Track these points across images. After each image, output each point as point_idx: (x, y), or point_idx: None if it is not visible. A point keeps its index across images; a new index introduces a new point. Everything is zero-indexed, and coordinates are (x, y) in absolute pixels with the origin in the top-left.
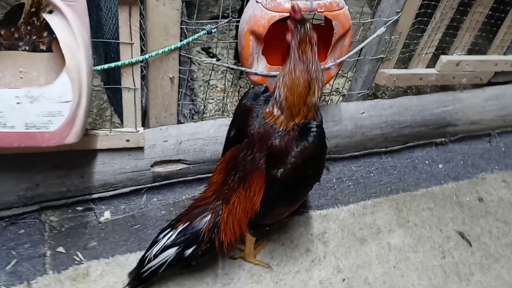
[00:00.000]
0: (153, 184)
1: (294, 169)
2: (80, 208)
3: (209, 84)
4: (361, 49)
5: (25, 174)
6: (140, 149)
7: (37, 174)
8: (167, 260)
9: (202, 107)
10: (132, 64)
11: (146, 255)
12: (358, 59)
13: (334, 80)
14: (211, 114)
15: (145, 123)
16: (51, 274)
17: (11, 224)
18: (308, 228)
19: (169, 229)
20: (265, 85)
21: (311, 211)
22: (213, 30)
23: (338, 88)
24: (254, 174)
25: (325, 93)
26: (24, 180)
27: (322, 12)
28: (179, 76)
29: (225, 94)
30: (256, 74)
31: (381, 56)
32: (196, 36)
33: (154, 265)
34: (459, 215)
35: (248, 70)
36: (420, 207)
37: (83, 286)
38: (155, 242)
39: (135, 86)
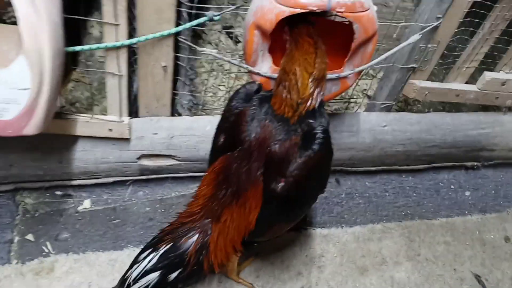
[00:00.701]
0: (139, 177)
1: (296, 182)
2: (59, 193)
3: (222, 71)
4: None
5: None
6: (126, 140)
7: (11, 154)
8: (149, 285)
9: (206, 98)
10: (117, 48)
11: (126, 276)
12: (385, 66)
13: (358, 81)
14: (219, 104)
15: (134, 112)
16: (14, 264)
17: None
18: (304, 248)
19: (150, 250)
20: (258, 82)
21: (311, 228)
22: (215, 18)
23: (365, 90)
24: (250, 189)
25: (344, 98)
26: None
27: (342, 12)
28: (178, 64)
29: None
30: (258, 74)
31: (413, 65)
32: (194, 23)
33: None
34: (479, 254)
35: (250, 68)
36: (435, 240)
37: (45, 282)
38: (135, 262)
39: (120, 73)
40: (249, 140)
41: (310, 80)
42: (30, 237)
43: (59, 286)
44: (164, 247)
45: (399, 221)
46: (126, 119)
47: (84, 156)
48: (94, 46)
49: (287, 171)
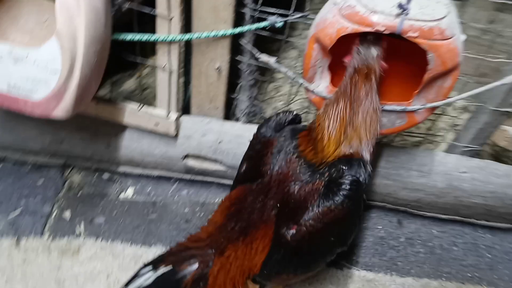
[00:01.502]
0: (184, 177)
1: (310, 234)
2: (105, 177)
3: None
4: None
5: (49, 127)
6: (172, 137)
7: (62, 131)
8: None
9: (273, 105)
10: (169, 43)
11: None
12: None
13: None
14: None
15: (187, 110)
16: (45, 238)
17: (34, 171)
18: None
19: (151, 267)
20: (294, 112)
21: (354, 268)
22: (277, 25)
23: (456, 125)
24: (259, 228)
25: (419, 133)
26: (48, 132)
27: (415, 38)
28: (237, 67)
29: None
30: (312, 92)
31: (508, 110)
32: (252, 27)
33: None
34: None
35: (305, 84)
36: None
37: (68, 263)
38: (135, 275)
39: (170, 68)
40: (270, 174)
41: (341, 140)
42: (67, 214)
43: (79, 270)
44: (163, 268)
45: (462, 282)
46: (173, 116)
47: (131, 145)
48: (145, 36)
49: (302, 218)
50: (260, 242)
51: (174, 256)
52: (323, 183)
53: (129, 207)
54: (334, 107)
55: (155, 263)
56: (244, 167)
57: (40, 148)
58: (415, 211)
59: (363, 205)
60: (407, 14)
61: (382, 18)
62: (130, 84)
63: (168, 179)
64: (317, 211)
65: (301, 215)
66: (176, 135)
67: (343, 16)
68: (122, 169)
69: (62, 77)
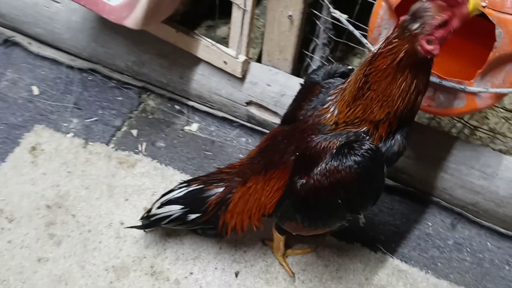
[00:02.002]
0: (246, 124)
1: (316, 188)
2: (177, 107)
3: None
4: None
5: (136, 47)
6: (240, 79)
7: (145, 54)
8: (171, 215)
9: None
10: None
11: (158, 200)
12: None
13: None
14: None
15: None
16: (110, 147)
17: (116, 88)
18: (368, 271)
19: (185, 184)
20: (349, 66)
21: (389, 255)
22: None
23: None
24: (278, 168)
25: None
26: (134, 53)
27: (484, 7)
28: (313, 23)
29: None
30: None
31: None
32: None
33: (159, 213)
34: None
35: (369, 45)
36: None
37: (122, 173)
38: (170, 191)
39: (244, 7)
40: (302, 119)
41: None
42: (134, 132)
43: (130, 182)
44: (194, 186)
45: None
46: (242, 57)
47: (201, 80)
48: None
49: (312, 172)
50: (276, 182)
51: (206, 177)
52: (338, 143)
53: (189, 140)
54: (361, 69)
55: (189, 181)
56: (288, 108)
57: (125, 66)
58: (472, 216)
59: (382, 178)
60: None
61: None
62: (223, 30)
63: (231, 122)
64: (324, 167)
65: (312, 168)
66: (243, 79)
67: None
68: (191, 103)
69: None
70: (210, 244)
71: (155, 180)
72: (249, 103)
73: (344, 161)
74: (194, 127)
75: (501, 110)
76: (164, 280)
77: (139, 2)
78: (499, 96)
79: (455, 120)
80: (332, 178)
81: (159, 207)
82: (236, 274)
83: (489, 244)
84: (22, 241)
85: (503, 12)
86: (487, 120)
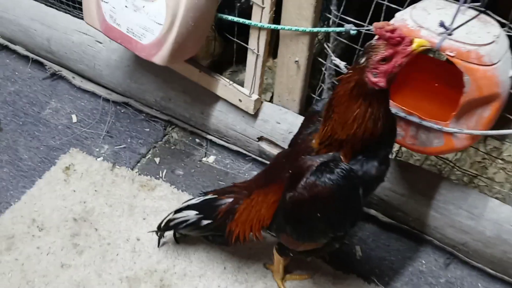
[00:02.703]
0: (258, 158)
1: (300, 201)
2: (197, 140)
3: None
4: None
5: (164, 85)
6: (253, 116)
7: (172, 90)
8: (187, 220)
9: None
10: (259, 28)
11: (178, 208)
12: None
13: None
14: None
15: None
16: (134, 171)
17: (145, 120)
18: None
19: (203, 193)
20: None
21: (382, 287)
22: (352, 32)
23: None
24: (276, 183)
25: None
26: (162, 89)
27: (452, 57)
28: (320, 70)
29: None
30: None
31: None
32: (326, 30)
33: (178, 218)
34: None
35: None
36: None
37: (143, 195)
38: (189, 200)
39: (258, 52)
40: (299, 142)
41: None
42: (157, 160)
43: (149, 203)
44: (210, 195)
45: None
46: (254, 96)
47: (219, 115)
48: (241, 19)
49: (297, 186)
50: (273, 196)
51: (221, 189)
52: (319, 162)
53: (206, 170)
54: (331, 97)
55: (206, 192)
56: (296, 133)
57: (154, 101)
58: (462, 256)
59: (357, 199)
60: (450, 34)
61: (426, 33)
62: (244, 76)
63: (244, 156)
64: (304, 182)
65: (297, 184)
66: (256, 117)
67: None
68: (210, 137)
69: (163, 29)
70: (216, 264)
71: (171, 204)
72: (260, 138)
73: (321, 177)
74: (211, 159)
75: (500, 161)
76: None
77: (166, 42)
78: (474, 138)
79: (456, 168)
80: (311, 191)
81: (177, 212)
82: None
83: (480, 285)
84: (49, 248)
85: (469, 62)
86: (486, 170)
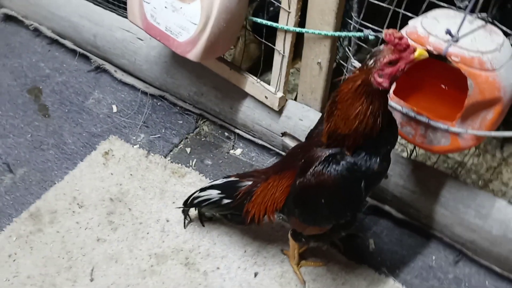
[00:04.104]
0: (281, 152)
1: (306, 186)
2: (226, 134)
3: None
4: None
5: (197, 80)
6: (277, 112)
7: (204, 86)
8: (210, 199)
9: None
10: (285, 31)
11: (202, 187)
12: None
13: None
14: None
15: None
16: (166, 159)
17: (179, 113)
18: None
19: (226, 176)
20: None
21: (392, 278)
22: (370, 37)
23: None
24: (289, 170)
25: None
26: (195, 85)
27: (457, 63)
28: (333, 66)
29: None
30: None
31: None
32: (348, 34)
33: (202, 196)
34: None
35: None
36: None
37: (174, 180)
38: (213, 181)
39: (283, 53)
40: (313, 136)
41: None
42: (188, 150)
43: (178, 189)
44: (233, 178)
45: None
46: (279, 94)
47: (247, 111)
48: (269, 22)
49: (307, 173)
50: (286, 181)
51: (243, 173)
52: (327, 154)
53: (232, 162)
54: (335, 94)
55: (229, 175)
56: (311, 129)
57: (187, 95)
58: (470, 254)
59: (359, 190)
60: (456, 41)
61: (434, 40)
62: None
63: (269, 150)
64: (313, 170)
65: (307, 171)
66: (280, 113)
67: (406, 34)
68: (237, 131)
69: (198, 29)
70: (237, 247)
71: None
72: (284, 134)
73: (327, 166)
74: (238, 151)
75: None
76: (195, 270)
77: (200, 40)
78: (479, 139)
79: (472, 171)
80: (317, 179)
81: (202, 190)
82: (255, 275)
83: (487, 282)
84: (87, 223)
85: (472, 67)
86: (501, 175)
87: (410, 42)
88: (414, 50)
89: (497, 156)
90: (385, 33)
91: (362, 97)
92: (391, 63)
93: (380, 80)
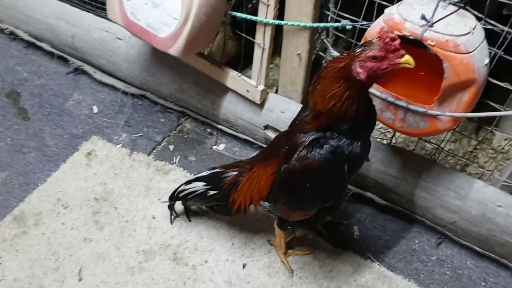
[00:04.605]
0: (264, 145)
1: (292, 171)
2: (208, 130)
3: None
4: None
5: (178, 77)
6: (259, 106)
7: (185, 83)
8: (196, 191)
9: None
10: (265, 24)
11: (188, 180)
12: None
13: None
14: None
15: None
16: (150, 157)
17: (160, 112)
18: (357, 273)
19: (212, 168)
20: None
21: (377, 263)
22: (347, 27)
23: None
24: (274, 158)
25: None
26: (176, 82)
27: (432, 46)
28: (312, 57)
29: None
30: None
31: None
32: (327, 25)
33: (187, 188)
34: None
35: None
36: None
37: (158, 177)
38: (198, 173)
39: (263, 46)
40: (297, 123)
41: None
42: (171, 147)
43: (163, 186)
44: (218, 169)
45: None
46: (261, 87)
47: (229, 106)
48: (248, 16)
49: (291, 159)
50: (271, 168)
51: (227, 164)
52: (310, 139)
53: (216, 157)
54: (321, 70)
55: (214, 167)
56: (294, 117)
57: (168, 93)
58: (453, 235)
59: (342, 173)
60: (431, 26)
61: (410, 26)
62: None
63: (251, 144)
64: (297, 155)
65: (292, 157)
66: (262, 106)
67: (383, 21)
68: (220, 126)
69: (179, 24)
70: (224, 240)
71: None
72: (266, 127)
73: (311, 151)
74: (221, 147)
75: (490, 151)
76: (183, 265)
77: (181, 35)
78: (456, 120)
79: (450, 155)
80: (302, 163)
81: (188, 183)
82: (244, 266)
83: (468, 262)
84: (72, 224)
85: (447, 50)
86: (478, 159)
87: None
88: (402, 55)
89: (472, 141)
90: (382, 29)
91: (341, 80)
92: (375, 58)
93: (359, 70)
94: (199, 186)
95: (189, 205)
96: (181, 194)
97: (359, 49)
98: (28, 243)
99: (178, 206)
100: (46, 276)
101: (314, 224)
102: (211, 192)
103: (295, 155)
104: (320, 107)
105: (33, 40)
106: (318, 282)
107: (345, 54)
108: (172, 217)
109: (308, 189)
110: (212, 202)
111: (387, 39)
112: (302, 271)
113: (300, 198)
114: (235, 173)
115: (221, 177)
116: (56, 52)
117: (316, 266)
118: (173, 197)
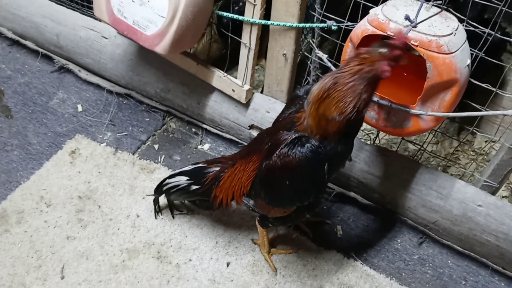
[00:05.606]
0: None
1: (272, 168)
2: (193, 129)
3: None
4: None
5: (164, 77)
6: (245, 105)
7: (171, 82)
8: (179, 185)
9: None
10: (251, 24)
11: (171, 173)
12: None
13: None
14: None
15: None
16: (135, 156)
17: (146, 111)
18: (340, 272)
19: (196, 163)
20: None
21: (360, 262)
22: (333, 27)
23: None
24: (255, 154)
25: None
26: (162, 81)
27: (416, 46)
28: (298, 58)
29: None
30: None
31: None
32: (313, 25)
33: (171, 182)
34: None
35: None
36: None
37: (142, 177)
38: (182, 168)
39: (250, 46)
40: (281, 120)
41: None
42: (156, 146)
43: (148, 184)
44: (201, 164)
45: None
46: (246, 86)
47: (214, 105)
48: (235, 16)
49: (273, 156)
50: (253, 164)
51: (211, 160)
52: (293, 137)
53: (200, 156)
54: (326, 77)
55: (198, 162)
56: (278, 114)
57: (154, 92)
58: (434, 234)
59: (322, 172)
60: (415, 26)
61: (394, 26)
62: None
63: (236, 144)
64: (279, 152)
65: (273, 154)
66: (247, 106)
67: (368, 22)
68: (205, 126)
69: (165, 22)
70: (208, 239)
71: None
72: (251, 126)
73: (292, 148)
74: (206, 146)
75: (471, 153)
76: (167, 263)
77: (168, 33)
78: (438, 119)
79: (432, 156)
80: (282, 160)
81: (171, 177)
82: (228, 264)
83: (449, 261)
84: (55, 222)
85: (430, 50)
86: (459, 160)
87: (372, 29)
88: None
89: (454, 143)
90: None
91: (365, 81)
92: (398, 57)
93: (387, 68)
94: (182, 180)
95: (172, 200)
96: (165, 188)
97: (384, 50)
98: (10, 241)
99: (162, 201)
100: (28, 274)
101: (293, 221)
102: (194, 187)
103: (277, 152)
104: (333, 113)
105: (17, 38)
106: (302, 281)
107: (365, 56)
108: (156, 212)
109: (287, 186)
110: (195, 197)
111: (404, 39)
112: (285, 270)
113: (280, 195)
114: (218, 168)
115: (204, 172)
116: (41, 50)
117: (300, 264)
118: (157, 190)
